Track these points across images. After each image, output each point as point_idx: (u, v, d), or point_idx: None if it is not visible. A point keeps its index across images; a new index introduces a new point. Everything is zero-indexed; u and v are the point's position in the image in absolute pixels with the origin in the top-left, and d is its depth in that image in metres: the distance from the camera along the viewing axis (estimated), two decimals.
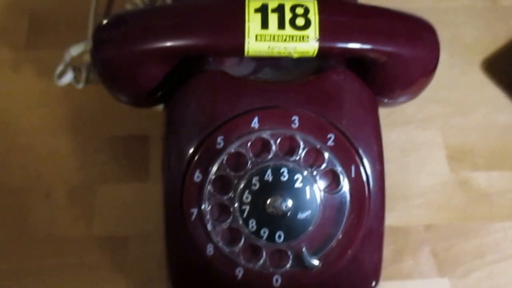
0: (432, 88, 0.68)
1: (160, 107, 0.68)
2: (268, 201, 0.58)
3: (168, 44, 0.59)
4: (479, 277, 0.75)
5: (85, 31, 0.73)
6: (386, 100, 0.66)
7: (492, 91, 0.85)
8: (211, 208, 0.60)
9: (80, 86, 0.72)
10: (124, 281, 0.73)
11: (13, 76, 0.83)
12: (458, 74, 0.86)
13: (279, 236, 0.59)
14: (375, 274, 0.63)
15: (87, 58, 0.70)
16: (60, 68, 0.71)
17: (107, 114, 0.80)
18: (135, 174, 0.78)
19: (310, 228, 0.59)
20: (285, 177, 0.59)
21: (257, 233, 0.59)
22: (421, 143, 0.82)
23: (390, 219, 0.71)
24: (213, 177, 0.59)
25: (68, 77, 0.71)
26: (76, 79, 0.72)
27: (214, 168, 0.59)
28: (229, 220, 0.59)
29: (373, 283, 0.63)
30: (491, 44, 0.88)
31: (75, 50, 0.69)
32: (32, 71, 0.84)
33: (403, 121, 0.82)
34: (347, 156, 0.60)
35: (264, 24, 0.58)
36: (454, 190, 0.79)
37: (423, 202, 0.78)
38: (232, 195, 0.59)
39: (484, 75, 0.86)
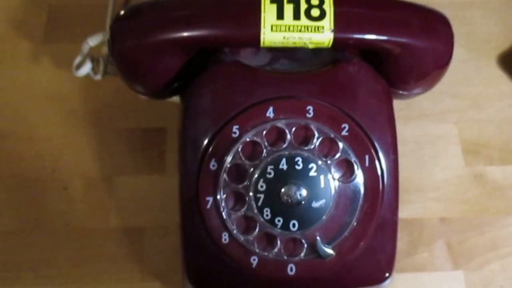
0: (448, 82, 0.68)
1: (178, 100, 0.68)
2: (283, 190, 0.59)
3: (185, 34, 0.60)
4: (493, 269, 0.75)
5: (103, 25, 0.74)
6: (400, 92, 0.67)
7: (508, 85, 0.85)
8: (226, 197, 0.60)
9: (98, 77, 0.73)
10: (140, 272, 0.73)
11: (32, 69, 0.84)
12: (473, 68, 0.86)
13: (294, 225, 0.59)
14: (389, 265, 0.64)
15: (105, 50, 0.70)
16: (78, 59, 0.71)
17: (124, 107, 0.81)
18: (152, 166, 0.78)
19: (324, 217, 0.60)
20: (299, 166, 0.59)
21: (271, 221, 0.59)
22: (437, 136, 0.82)
23: (405, 211, 0.71)
24: (228, 165, 0.60)
25: (86, 68, 0.71)
26: (94, 70, 0.72)
27: (230, 157, 0.60)
28: (244, 209, 0.60)
29: (386, 275, 0.64)
30: (507, 39, 0.88)
31: (93, 41, 0.69)
32: (50, 64, 0.84)
33: (418, 115, 0.82)
34: (361, 145, 0.61)
35: (280, 15, 0.59)
36: (469, 184, 0.79)
37: (438, 195, 0.78)
38: (247, 184, 0.59)
39: (499, 70, 0.86)
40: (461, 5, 0.90)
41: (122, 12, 0.62)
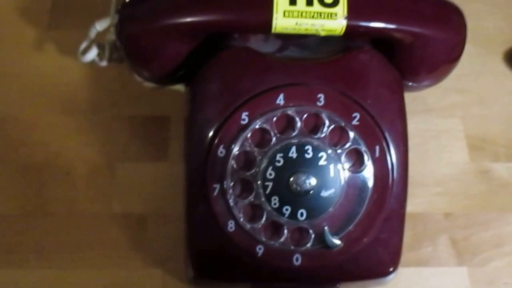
0: (454, 77, 0.68)
1: (181, 88, 0.67)
2: (292, 178, 0.58)
3: (195, 19, 0.60)
4: (497, 266, 0.74)
5: (107, 11, 0.73)
6: (410, 84, 0.66)
7: None
8: (233, 184, 0.60)
9: (103, 64, 0.72)
10: (141, 259, 0.73)
11: (36, 56, 0.84)
12: (480, 64, 0.85)
13: (301, 214, 0.59)
14: (394, 260, 0.64)
15: (110, 36, 0.70)
16: (84, 44, 0.71)
17: (128, 94, 0.80)
18: (155, 154, 0.78)
19: (333, 207, 0.59)
20: (309, 155, 0.59)
21: (279, 210, 0.59)
22: (442, 131, 0.81)
23: (410, 206, 0.70)
24: (236, 152, 0.59)
25: (92, 54, 0.71)
26: (100, 56, 0.72)
27: (238, 144, 0.59)
28: (251, 197, 0.59)
29: (391, 269, 0.63)
30: None
31: (100, 25, 0.69)
32: (54, 51, 0.84)
33: (424, 109, 0.82)
34: (371, 135, 0.60)
35: (292, 1, 0.58)
36: (474, 180, 0.79)
37: (442, 190, 0.78)
38: (256, 171, 0.59)
39: (506, 66, 0.86)
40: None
41: None
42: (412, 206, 0.73)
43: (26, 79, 0.82)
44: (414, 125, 0.77)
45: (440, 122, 0.82)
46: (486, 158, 0.80)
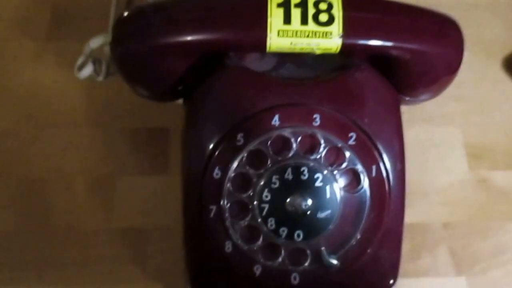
0: (453, 86, 0.67)
1: (181, 100, 0.67)
2: (288, 200, 0.58)
3: (189, 38, 0.59)
4: (496, 275, 0.74)
5: (107, 23, 0.73)
6: (408, 98, 0.66)
7: None
8: (230, 205, 0.59)
9: (100, 78, 0.72)
10: (142, 274, 0.73)
11: (35, 68, 0.84)
12: (479, 72, 0.85)
13: (298, 235, 0.59)
14: (393, 272, 0.63)
15: (107, 50, 0.70)
16: (80, 61, 0.70)
17: (127, 107, 0.80)
18: (155, 167, 0.78)
19: (330, 227, 0.59)
20: (305, 176, 0.58)
21: (276, 231, 0.59)
22: (441, 140, 0.81)
23: (408, 216, 0.70)
24: (232, 174, 0.59)
25: (88, 70, 0.70)
26: (96, 71, 0.71)
27: (234, 165, 0.59)
28: (248, 218, 0.59)
29: (391, 281, 0.63)
30: None
31: (94, 43, 0.68)
32: (53, 63, 0.84)
33: (422, 118, 0.82)
34: (368, 155, 0.60)
35: (287, 20, 0.58)
36: (473, 189, 0.78)
37: (441, 200, 0.78)
38: (252, 193, 0.59)
39: (505, 73, 0.85)
40: (466, 7, 0.89)
41: (125, 14, 0.61)
42: (411, 216, 0.73)
43: (25, 92, 0.82)
44: (412, 134, 0.78)
45: (439, 130, 0.82)
46: (484, 167, 0.80)
